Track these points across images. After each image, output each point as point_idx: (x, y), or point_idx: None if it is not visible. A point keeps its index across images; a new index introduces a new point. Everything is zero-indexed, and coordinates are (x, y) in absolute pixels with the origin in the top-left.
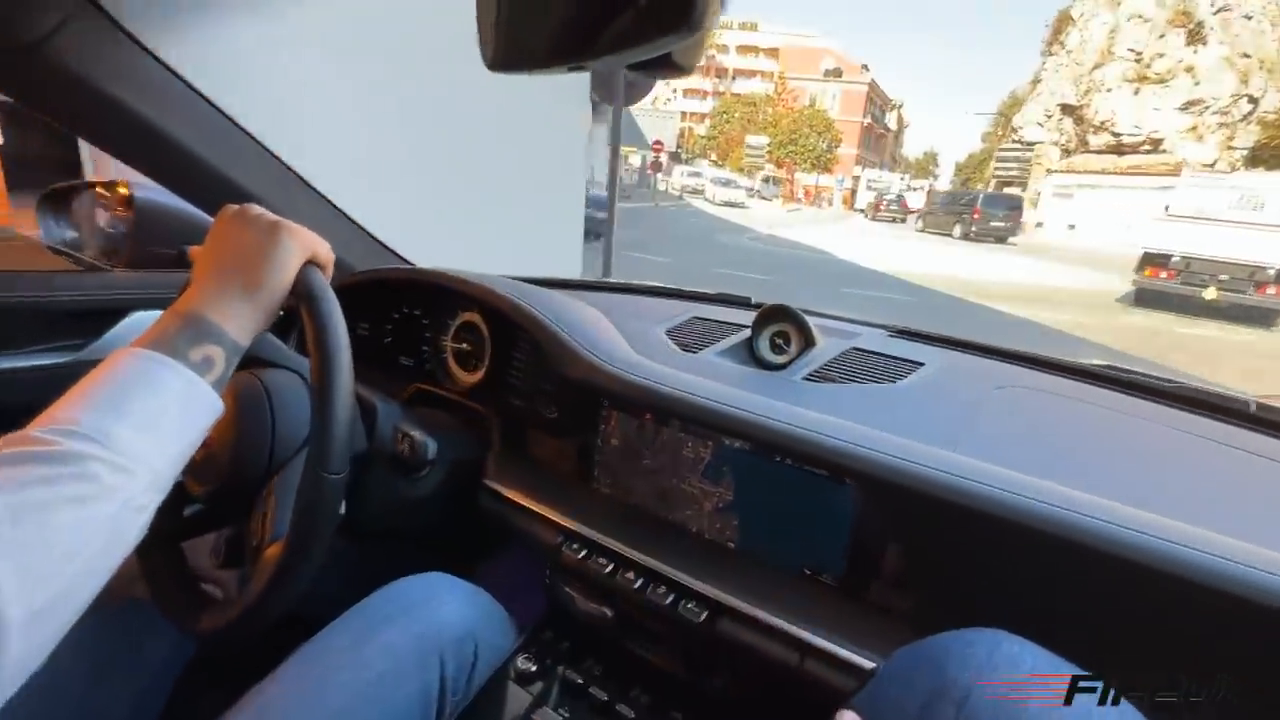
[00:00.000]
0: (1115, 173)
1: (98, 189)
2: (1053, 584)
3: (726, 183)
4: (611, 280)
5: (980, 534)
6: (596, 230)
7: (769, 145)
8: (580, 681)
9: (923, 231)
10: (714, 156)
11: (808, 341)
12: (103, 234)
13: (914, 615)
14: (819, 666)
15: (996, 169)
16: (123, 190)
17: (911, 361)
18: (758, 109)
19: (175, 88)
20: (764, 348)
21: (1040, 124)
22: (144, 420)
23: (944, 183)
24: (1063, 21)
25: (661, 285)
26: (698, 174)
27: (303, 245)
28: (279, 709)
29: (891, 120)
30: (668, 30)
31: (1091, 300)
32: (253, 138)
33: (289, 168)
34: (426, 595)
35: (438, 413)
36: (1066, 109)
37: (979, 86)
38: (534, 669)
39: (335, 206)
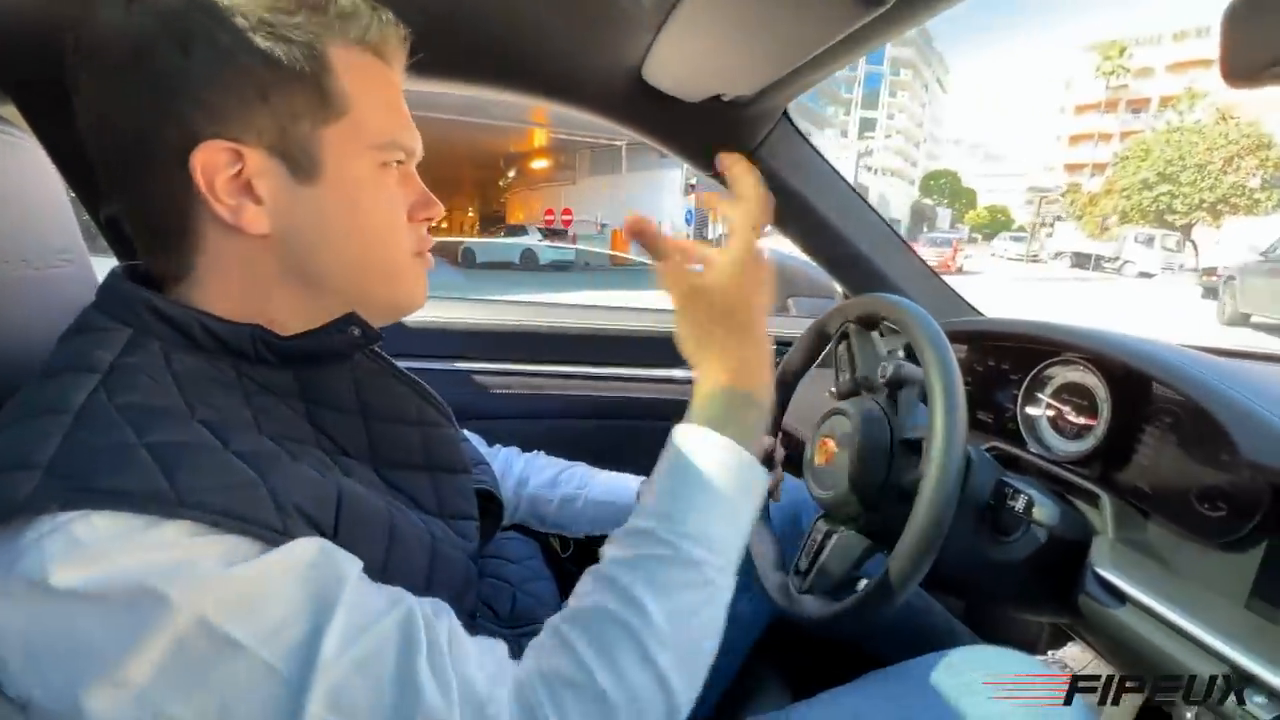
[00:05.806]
0: None
1: None
2: None
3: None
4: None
5: None
6: None
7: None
8: None
9: None
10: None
11: None
12: None
13: None
14: None
15: None
16: None
17: None
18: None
19: (824, 171)
20: None
21: None
22: (728, 515)
23: None
24: None
25: None
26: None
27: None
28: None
29: None
30: None
31: None
32: (873, 209)
33: (894, 231)
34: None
35: (1026, 476)
36: None
37: None
38: None
39: (923, 261)
